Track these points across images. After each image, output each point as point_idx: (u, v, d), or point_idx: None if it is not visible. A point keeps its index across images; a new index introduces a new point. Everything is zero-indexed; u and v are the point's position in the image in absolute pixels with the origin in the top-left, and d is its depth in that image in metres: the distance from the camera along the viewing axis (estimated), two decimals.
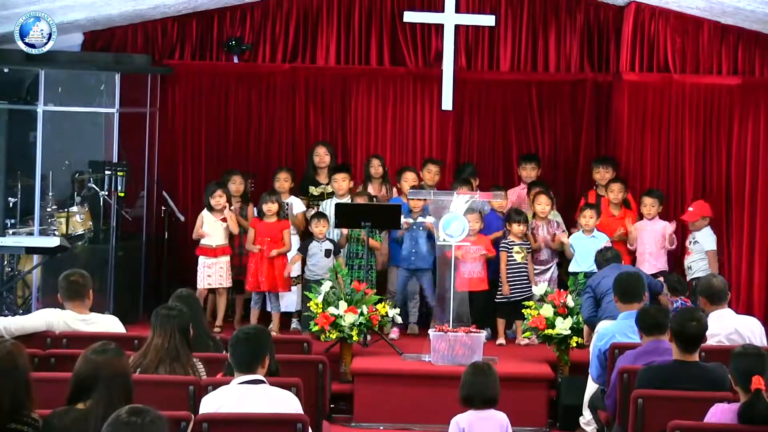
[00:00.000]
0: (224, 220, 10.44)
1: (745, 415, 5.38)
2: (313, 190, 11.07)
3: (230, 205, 10.61)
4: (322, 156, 11.10)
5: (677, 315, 6.36)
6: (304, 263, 10.45)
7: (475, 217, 10.14)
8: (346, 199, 10.67)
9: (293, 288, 10.58)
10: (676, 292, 9.55)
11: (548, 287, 9.60)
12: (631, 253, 10.68)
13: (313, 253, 10.36)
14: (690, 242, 10.67)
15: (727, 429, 5.50)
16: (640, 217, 10.81)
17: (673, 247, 10.70)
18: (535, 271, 10.44)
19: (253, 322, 10.10)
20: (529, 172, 11.23)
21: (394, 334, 10.25)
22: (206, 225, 10.46)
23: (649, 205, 10.70)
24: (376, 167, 11.11)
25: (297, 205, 10.81)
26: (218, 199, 10.41)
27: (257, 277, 10.32)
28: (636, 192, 11.13)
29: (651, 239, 10.64)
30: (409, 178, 10.69)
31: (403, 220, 10.25)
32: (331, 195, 10.89)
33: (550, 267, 10.47)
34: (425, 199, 10.17)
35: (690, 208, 10.75)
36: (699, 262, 10.61)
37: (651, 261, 10.58)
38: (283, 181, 10.83)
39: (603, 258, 9.20)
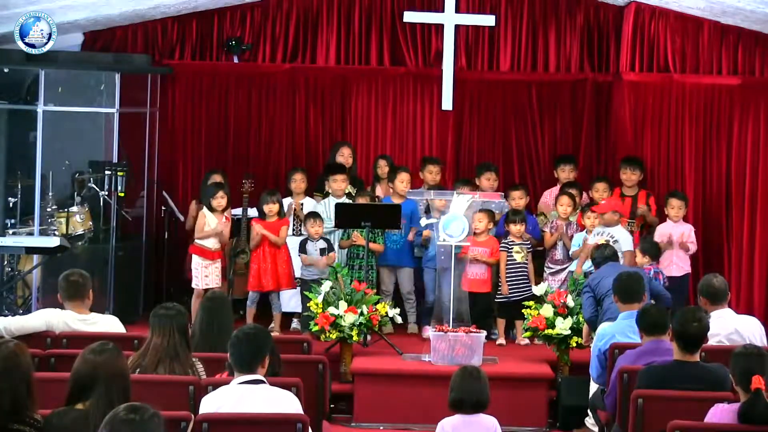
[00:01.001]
0: (225, 222, 10.42)
1: (745, 415, 5.38)
2: (330, 190, 11.08)
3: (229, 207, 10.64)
4: (346, 157, 11.11)
5: (679, 315, 6.35)
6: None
7: (481, 216, 10.13)
8: (342, 200, 10.68)
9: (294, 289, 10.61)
10: (653, 257, 9.48)
11: (549, 287, 9.58)
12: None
13: (308, 253, 10.37)
14: (607, 241, 10.09)
15: (727, 429, 5.50)
16: (661, 219, 10.76)
17: (690, 252, 10.67)
18: (551, 270, 10.44)
19: (249, 321, 10.09)
20: (568, 173, 11.17)
21: (425, 332, 10.23)
22: (210, 224, 10.46)
23: (677, 207, 10.64)
24: (382, 168, 11.14)
25: (310, 206, 10.79)
26: (219, 200, 10.39)
27: (259, 277, 10.32)
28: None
29: (676, 242, 10.59)
30: (404, 179, 10.68)
31: (425, 221, 10.21)
32: (347, 194, 10.88)
33: (566, 267, 10.43)
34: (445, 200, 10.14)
35: (602, 201, 10.57)
36: None
37: (678, 263, 10.57)
38: (299, 181, 10.85)
39: (601, 255, 9.12)
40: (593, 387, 7.88)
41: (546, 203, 11.14)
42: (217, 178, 10.83)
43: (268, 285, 10.32)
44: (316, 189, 11.08)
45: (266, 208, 10.38)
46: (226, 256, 10.65)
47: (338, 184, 10.73)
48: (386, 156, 11.34)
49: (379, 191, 11.04)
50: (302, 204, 10.84)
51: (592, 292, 8.60)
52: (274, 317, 10.44)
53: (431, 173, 10.88)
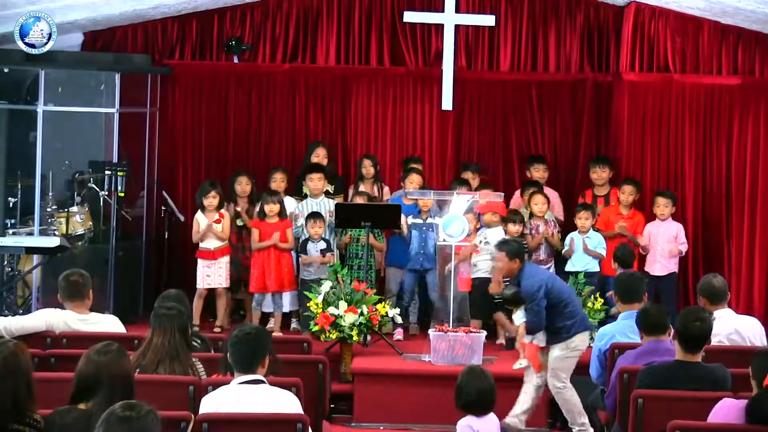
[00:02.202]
0: (218, 221, 10.41)
1: (752, 409, 5.36)
2: (307, 190, 11.08)
3: (235, 204, 10.62)
4: (321, 158, 11.11)
5: (682, 315, 6.35)
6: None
7: (470, 218, 10.14)
8: (320, 199, 10.68)
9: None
10: (623, 264, 9.49)
11: None
12: (640, 255, 10.64)
13: (309, 254, 10.36)
14: (480, 241, 10.15)
15: (727, 429, 5.49)
16: (651, 218, 10.81)
17: (685, 251, 10.69)
18: None
19: (256, 323, 10.11)
20: (542, 173, 11.19)
21: (398, 335, 10.25)
22: (202, 227, 10.47)
23: (663, 205, 10.68)
24: (367, 167, 11.13)
25: (290, 206, 10.79)
26: (211, 200, 10.41)
27: (263, 278, 10.32)
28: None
29: (663, 240, 10.62)
30: (414, 180, 10.66)
31: (411, 220, 10.25)
32: (327, 194, 10.88)
33: (549, 267, 10.45)
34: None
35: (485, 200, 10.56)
36: (487, 262, 9.98)
37: (662, 262, 10.60)
38: (279, 181, 10.85)
39: (522, 249, 8.43)
40: (563, 399, 7.91)
41: (519, 203, 11.10)
42: (243, 180, 10.82)
43: (272, 286, 10.33)
44: (294, 191, 11.08)
45: (267, 208, 10.37)
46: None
47: (315, 183, 10.72)
48: (371, 156, 11.32)
49: (363, 190, 11.00)
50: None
51: (546, 298, 8.09)
52: (275, 317, 10.44)
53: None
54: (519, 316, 8.33)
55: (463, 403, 5.92)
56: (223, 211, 10.49)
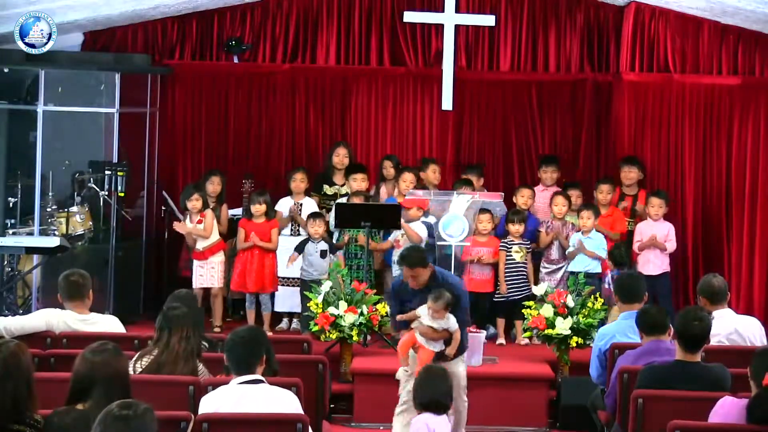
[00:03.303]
0: (199, 221, 10.41)
1: (752, 409, 5.36)
2: (327, 189, 11.10)
3: (207, 206, 10.62)
4: (341, 157, 11.10)
5: (681, 315, 6.35)
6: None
7: (488, 218, 10.15)
8: (343, 200, 10.70)
9: (293, 289, 10.58)
10: (617, 264, 9.48)
11: (549, 287, 9.56)
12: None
13: (308, 254, 10.34)
14: (402, 234, 10.09)
15: (727, 429, 5.49)
16: (645, 217, 10.81)
17: (668, 252, 10.68)
18: (547, 270, 10.44)
19: (250, 322, 10.13)
20: (551, 174, 11.17)
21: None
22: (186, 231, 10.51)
23: (657, 205, 10.67)
24: (387, 169, 11.13)
25: (310, 206, 10.79)
26: (194, 202, 10.42)
27: (244, 277, 10.34)
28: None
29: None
30: (407, 179, 10.66)
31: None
32: (344, 195, 10.89)
33: (562, 266, 10.44)
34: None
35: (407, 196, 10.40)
36: None
37: (656, 262, 10.60)
38: (299, 181, 10.85)
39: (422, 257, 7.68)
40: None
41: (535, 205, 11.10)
42: (215, 179, 10.84)
43: (252, 286, 10.35)
44: (314, 190, 11.08)
45: (253, 208, 10.39)
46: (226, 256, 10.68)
47: (358, 183, 10.76)
48: (392, 156, 11.33)
49: (384, 192, 11.02)
50: (301, 204, 10.84)
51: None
52: (264, 318, 10.43)
53: (435, 173, 10.90)
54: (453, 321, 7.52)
55: (425, 402, 5.95)
56: (205, 210, 10.48)
